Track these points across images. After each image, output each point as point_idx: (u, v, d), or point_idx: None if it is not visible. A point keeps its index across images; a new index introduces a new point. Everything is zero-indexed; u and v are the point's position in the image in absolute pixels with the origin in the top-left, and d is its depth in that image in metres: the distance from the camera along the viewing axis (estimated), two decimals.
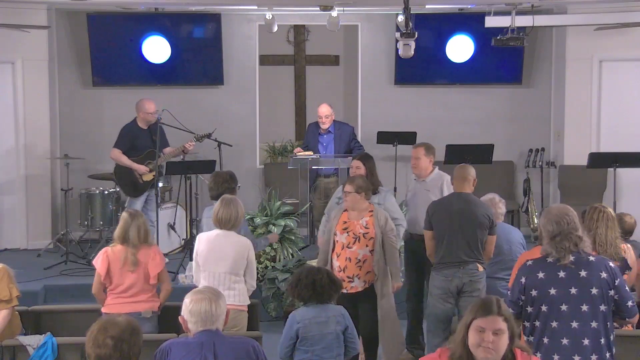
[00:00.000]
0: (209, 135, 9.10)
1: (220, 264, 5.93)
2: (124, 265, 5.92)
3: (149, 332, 5.63)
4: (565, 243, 4.48)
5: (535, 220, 10.46)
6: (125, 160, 8.94)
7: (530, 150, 10.77)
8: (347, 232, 6.37)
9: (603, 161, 9.14)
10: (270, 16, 10.33)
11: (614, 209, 6.54)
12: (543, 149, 10.75)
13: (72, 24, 10.66)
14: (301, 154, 9.08)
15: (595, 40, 10.19)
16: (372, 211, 6.43)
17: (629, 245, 5.74)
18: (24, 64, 10.06)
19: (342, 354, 5.23)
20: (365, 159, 7.06)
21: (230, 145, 9.48)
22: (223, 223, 5.99)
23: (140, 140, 8.94)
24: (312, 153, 9.00)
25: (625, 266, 5.54)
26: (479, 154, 9.59)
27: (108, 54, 10.67)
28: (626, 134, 10.27)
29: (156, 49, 10.65)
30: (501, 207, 6.68)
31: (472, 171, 6.46)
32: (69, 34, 10.69)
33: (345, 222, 6.42)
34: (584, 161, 9.16)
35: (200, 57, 10.89)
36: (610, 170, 9.52)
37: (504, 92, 11.14)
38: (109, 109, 10.80)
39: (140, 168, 8.89)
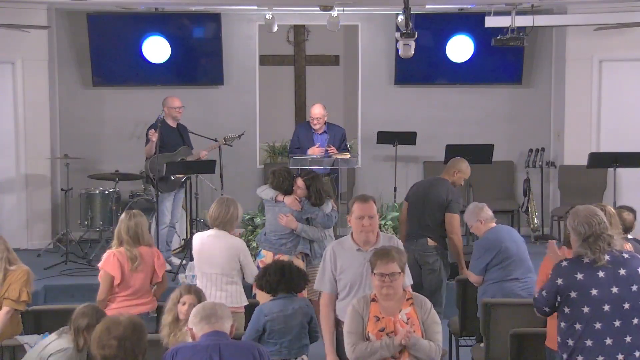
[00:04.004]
0: (238, 137, 9.31)
1: (211, 265, 5.93)
2: (134, 266, 5.85)
3: (153, 332, 5.62)
4: (600, 243, 4.45)
5: (536, 220, 10.46)
6: (150, 144, 8.86)
7: (530, 150, 10.77)
8: (388, 336, 4.59)
9: (603, 161, 9.14)
10: (270, 16, 10.32)
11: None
12: (543, 149, 10.74)
13: (72, 24, 10.66)
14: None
15: (595, 40, 10.19)
16: (411, 298, 4.74)
17: (630, 245, 5.71)
18: (24, 64, 10.06)
19: (308, 344, 5.32)
20: (312, 179, 6.95)
21: (231, 145, 9.52)
22: (212, 220, 6.02)
23: (168, 137, 8.94)
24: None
25: None
26: (479, 154, 9.59)
27: (108, 54, 10.66)
28: (626, 134, 10.27)
29: (156, 49, 10.65)
30: (485, 212, 6.61)
31: (458, 164, 7.24)
32: (69, 34, 10.69)
33: (378, 319, 4.64)
34: (584, 161, 9.16)
35: (200, 57, 10.90)
36: (610, 170, 9.52)
37: (504, 92, 11.13)
38: (109, 109, 10.80)
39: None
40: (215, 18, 10.74)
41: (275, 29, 10.52)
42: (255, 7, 10.42)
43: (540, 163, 10.64)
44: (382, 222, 8.13)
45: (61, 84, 10.61)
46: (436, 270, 6.96)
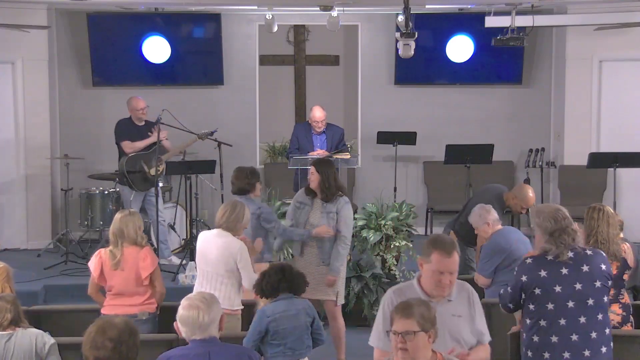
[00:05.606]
0: (211, 134, 9.18)
1: (207, 262, 5.93)
2: (114, 264, 5.82)
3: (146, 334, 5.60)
4: (565, 237, 4.50)
5: None
6: (141, 144, 8.98)
7: (530, 150, 10.77)
8: None
9: (603, 161, 9.14)
10: (270, 16, 10.33)
11: (614, 209, 6.52)
12: (543, 149, 10.74)
13: (72, 24, 10.67)
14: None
15: (595, 40, 10.19)
16: None
17: (628, 245, 5.74)
18: (24, 64, 10.06)
19: (311, 346, 5.29)
20: (320, 165, 6.79)
21: (230, 145, 9.49)
22: (217, 220, 6.02)
23: (136, 136, 8.96)
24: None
25: (625, 266, 5.54)
26: (479, 154, 9.59)
27: (108, 54, 10.67)
28: (626, 134, 10.27)
29: (156, 49, 10.65)
30: (492, 214, 6.61)
31: (517, 189, 7.44)
32: (69, 34, 10.69)
33: None
34: (584, 161, 9.16)
35: (200, 57, 10.91)
36: (610, 170, 9.51)
37: (504, 92, 11.13)
38: (109, 109, 10.79)
39: (164, 141, 8.88)
40: (215, 18, 10.74)
41: (275, 29, 10.52)
42: (255, 7, 10.43)
43: (540, 163, 10.63)
44: (382, 222, 8.11)
45: (61, 84, 10.62)
46: None
